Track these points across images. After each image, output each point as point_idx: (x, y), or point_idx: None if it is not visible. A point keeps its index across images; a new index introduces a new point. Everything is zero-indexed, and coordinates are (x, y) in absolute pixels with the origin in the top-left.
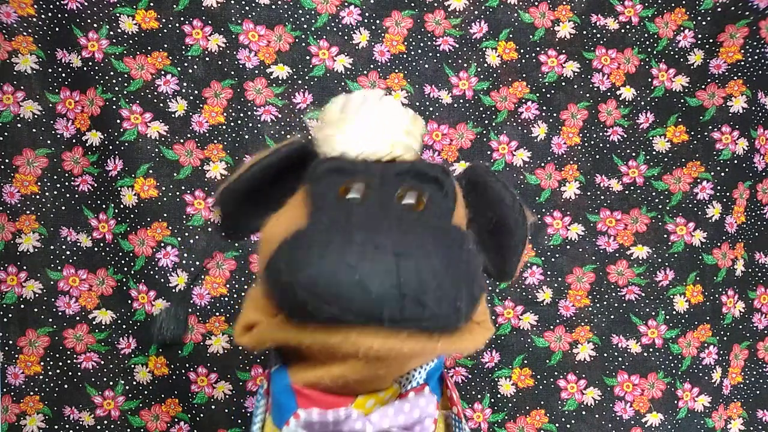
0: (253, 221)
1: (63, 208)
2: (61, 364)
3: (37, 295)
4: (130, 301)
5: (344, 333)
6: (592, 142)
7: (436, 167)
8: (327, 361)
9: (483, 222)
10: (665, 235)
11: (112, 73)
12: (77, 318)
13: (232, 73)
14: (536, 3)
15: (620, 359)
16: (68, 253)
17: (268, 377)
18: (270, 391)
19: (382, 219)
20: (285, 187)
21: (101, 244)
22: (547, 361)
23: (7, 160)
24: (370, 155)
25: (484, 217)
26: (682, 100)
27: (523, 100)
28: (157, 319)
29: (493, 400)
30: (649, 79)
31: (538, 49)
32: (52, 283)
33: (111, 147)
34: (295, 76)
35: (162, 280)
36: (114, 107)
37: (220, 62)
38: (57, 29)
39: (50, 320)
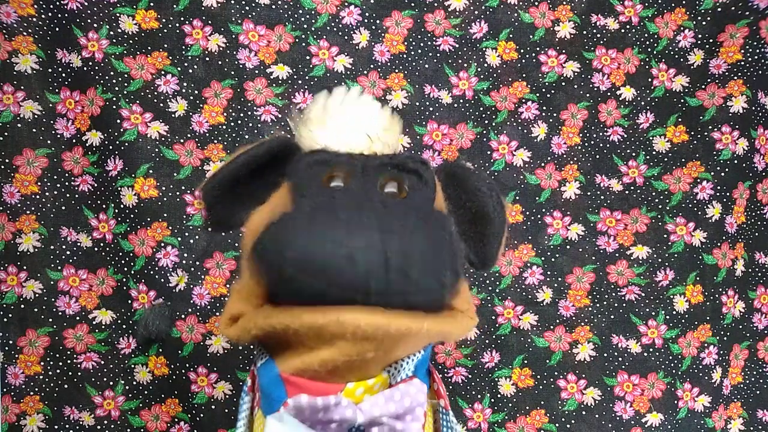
0: (237, 215)
1: (63, 208)
2: (61, 364)
3: (37, 295)
4: (130, 301)
5: (331, 313)
6: (592, 142)
7: (415, 159)
8: (315, 346)
9: (463, 212)
10: (665, 235)
11: (112, 73)
12: (77, 318)
13: (232, 73)
14: (536, 3)
15: (620, 359)
16: (68, 253)
17: (253, 374)
18: (258, 385)
19: (366, 201)
20: (268, 181)
21: (101, 244)
22: (547, 361)
23: (7, 160)
24: (351, 149)
25: (463, 208)
26: (682, 100)
27: (523, 100)
28: (144, 315)
29: (493, 400)
30: (649, 79)
31: (538, 49)
32: (52, 283)
33: (111, 147)
34: (295, 76)
35: (162, 280)
36: (114, 107)
37: (220, 62)
38: (57, 29)
39: (50, 320)
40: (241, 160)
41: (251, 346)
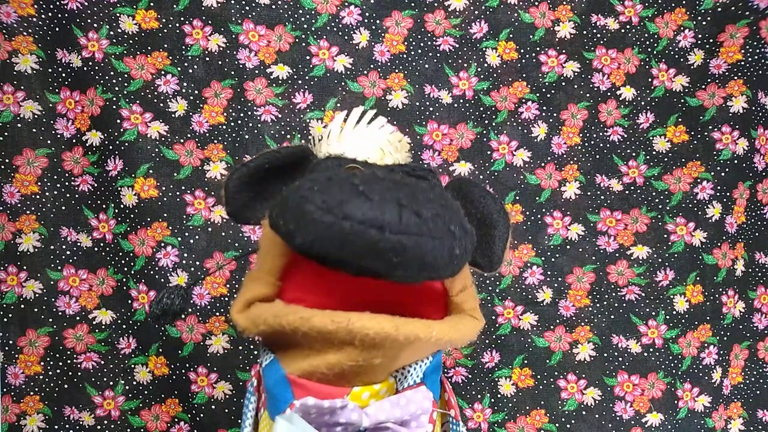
0: (256, 210)
1: (63, 208)
2: (61, 364)
3: (37, 295)
4: (130, 301)
5: (341, 319)
6: (592, 142)
7: (423, 167)
8: (322, 349)
9: (470, 219)
10: (665, 235)
11: (112, 73)
12: (77, 318)
13: (232, 73)
14: (536, 3)
15: (620, 359)
16: (68, 253)
17: (258, 375)
18: (263, 386)
19: (381, 176)
20: (287, 185)
21: (101, 244)
22: (547, 361)
23: (7, 160)
24: (365, 159)
25: (470, 215)
26: (682, 100)
27: (523, 100)
28: (164, 291)
29: (493, 400)
30: (649, 79)
31: (538, 49)
32: (52, 283)
33: (111, 147)
34: (295, 76)
35: (162, 280)
36: (114, 107)
37: (220, 62)
38: (57, 29)
39: (50, 320)
40: (265, 157)
41: (254, 343)
